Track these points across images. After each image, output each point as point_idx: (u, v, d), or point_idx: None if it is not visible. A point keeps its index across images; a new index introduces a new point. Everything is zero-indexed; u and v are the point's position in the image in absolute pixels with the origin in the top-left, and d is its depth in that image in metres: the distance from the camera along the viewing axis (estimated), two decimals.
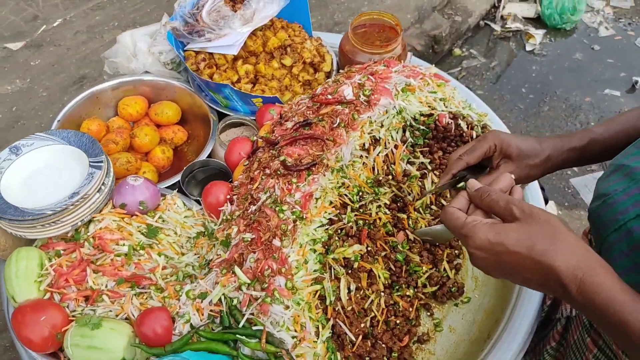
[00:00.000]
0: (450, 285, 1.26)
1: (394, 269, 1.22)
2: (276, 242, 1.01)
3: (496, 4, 3.83)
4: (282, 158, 1.12)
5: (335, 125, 1.17)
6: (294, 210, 1.04)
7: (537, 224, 0.68)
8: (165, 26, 1.44)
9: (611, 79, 3.33)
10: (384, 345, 1.13)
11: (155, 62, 1.49)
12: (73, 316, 1.02)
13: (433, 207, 1.34)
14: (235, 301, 0.98)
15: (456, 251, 1.33)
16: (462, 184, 1.06)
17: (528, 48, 3.57)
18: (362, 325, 1.11)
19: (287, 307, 0.96)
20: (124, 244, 1.12)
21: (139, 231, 1.15)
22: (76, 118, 1.44)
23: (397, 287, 1.21)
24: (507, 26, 3.70)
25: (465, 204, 0.81)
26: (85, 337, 0.95)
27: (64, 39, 3.25)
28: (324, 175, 1.11)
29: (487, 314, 1.22)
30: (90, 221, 1.14)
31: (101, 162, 1.16)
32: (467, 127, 1.34)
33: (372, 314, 1.14)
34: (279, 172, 1.10)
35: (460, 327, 1.23)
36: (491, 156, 1.04)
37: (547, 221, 0.68)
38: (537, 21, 3.72)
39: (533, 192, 1.34)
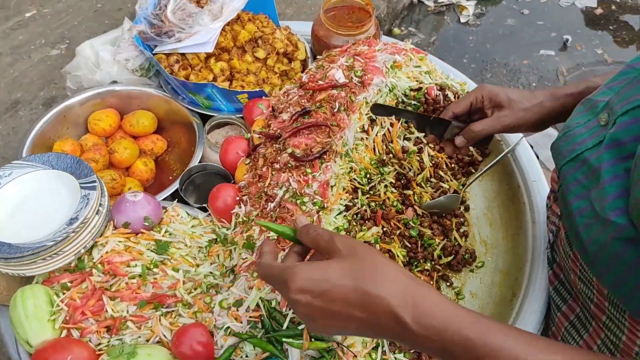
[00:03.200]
0: (463, 253, 1.27)
1: (409, 245, 1.22)
2: None
3: None
4: (289, 150, 1.08)
5: (336, 110, 1.14)
6: (315, 201, 1.01)
7: (359, 257, 0.63)
8: (131, 30, 1.36)
9: (544, 40, 3.50)
10: None
11: (122, 70, 1.39)
12: (99, 350, 0.94)
13: (432, 179, 1.35)
14: (273, 303, 0.94)
15: (461, 219, 1.35)
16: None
17: (462, 20, 3.67)
18: None
19: None
20: (135, 265, 1.04)
21: (148, 248, 1.08)
22: (45, 141, 1.33)
23: (415, 263, 1.21)
24: (439, 1, 3.79)
25: (274, 257, 0.73)
26: None
27: None
28: (335, 161, 1.09)
29: (504, 274, 1.25)
30: (92, 246, 1.06)
31: (94, 182, 1.07)
32: (455, 97, 1.36)
33: None
34: (289, 165, 1.07)
35: (481, 291, 1.25)
36: (482, 108, 1.06)
37: (369, 253, 0.63)
38: None
39: (524, 150, 1.38)
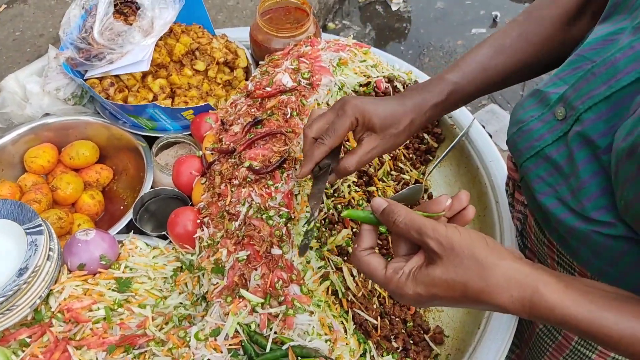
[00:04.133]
0: None
1: (380, 242, 1.20)
2: (276, 250, 0.93)
3: None
4: (247, 164, 1.04)
5: (288, 116, 1.11)
6: (281, 213, 0.97)
7: (461, 262, 0.61)
8: (58, 58, 1.26)
9: (474, 18, 3.58)
10: (398, 320, 1.11)
11: (54, 101, 1.30)
12: None
13: (393, 172, 1.34)
14: (252, 326, 0.90)
15: None
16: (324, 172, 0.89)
17: (394, 8, 3.71)
18: (375, 306, 1.08)
19: (312, 313, 0.90)
20: (98, 308, 0.97)
21: (109, 288, 1.01)
22: None
23: (389, 259, 1.19)
24: None
25: (373, 238, 0.70)
26: None
27: None
28: (296, 169, 1.05)
29: None
30: (48, 295, 0.98)
31: (40, 225, 0.99)
32: (403, 87, 1.35)
33: (378, 293, 1.12)
34: (249, 179, 1.02)
35: None
36: (353, 130, 0.89)
37: (472, 256, 0.61)
38: None
39: (477, 131, 1.38)
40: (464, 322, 1.12)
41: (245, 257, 0.94)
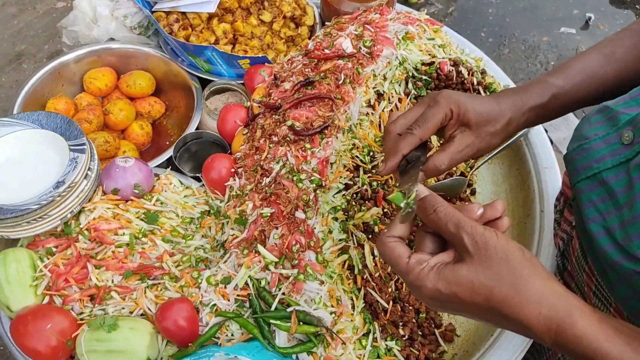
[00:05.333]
0: None
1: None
2: (299, 214, 0.93)
3: None
4: (289, 123, 1.02)
5: (341, 82, 1.08)
6: (312, 178, 0.96)
7: (492, 265, 0.56)
8: None
9: (565, 16, 3.36)
10: (411, 308, 1.09)
11: (120, 28, 1.33)
12: (81, 319, 0.91)
13: None
14: (263, 282, 0.90)
15: (466, 203, 1.30)
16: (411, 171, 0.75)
17: None
18: (389, 290, 1.06)
19: (322, 283, 0.89)
20: (123, 233, 1.01)
21: (138, 217, 1.04)
22: (39, 98, 1.28)
23: (414, 247, 1.16)
24: None
25: (406, 229, 0.65)
26: (102, 341, 0.85)
27: None
28: (337, 137, 1.03)
29: None
30: (80, 212, 1.02)
31: (83, 144, 1.03)
32: (468, 74, 1.29)
33: (396, 277, 1.10)
34: (288, 139, 1.01)
35: None
36: (444, 125, 0.79)
37: (505, 260, 0.56)
38: None
39: (537, 134, 1.31)
40: (478, 326, 1.09)
41: (268, 214, 0.94)
